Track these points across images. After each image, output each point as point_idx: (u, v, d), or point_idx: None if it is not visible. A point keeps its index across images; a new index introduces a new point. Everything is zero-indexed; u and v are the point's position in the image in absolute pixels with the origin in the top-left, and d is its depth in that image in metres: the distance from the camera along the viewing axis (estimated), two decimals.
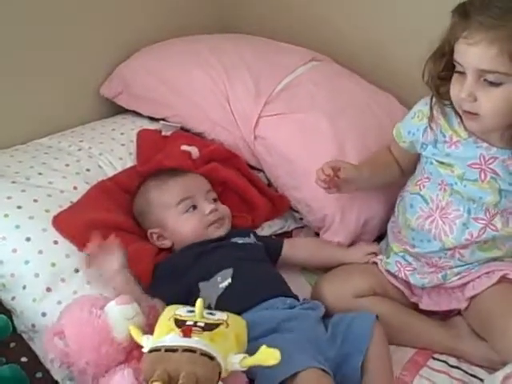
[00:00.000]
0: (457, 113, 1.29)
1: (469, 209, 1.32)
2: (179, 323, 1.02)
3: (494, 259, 1.36)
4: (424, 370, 1.29)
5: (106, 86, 1.77)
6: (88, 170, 1.50)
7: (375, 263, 1.44)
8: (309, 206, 1.52)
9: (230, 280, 1.27)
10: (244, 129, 1.58)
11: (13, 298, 1.27)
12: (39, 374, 1.19)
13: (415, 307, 1.41)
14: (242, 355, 1.00)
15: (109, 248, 1.22)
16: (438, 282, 1.38)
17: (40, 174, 1.44)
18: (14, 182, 1.40)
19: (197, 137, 1.64)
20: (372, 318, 1.24)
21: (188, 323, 1.02)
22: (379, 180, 1.48)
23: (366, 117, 1.59)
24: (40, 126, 1.65)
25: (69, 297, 1.23)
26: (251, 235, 1.43)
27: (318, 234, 1.56)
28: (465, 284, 1.36)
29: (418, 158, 1.42)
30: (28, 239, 1.29)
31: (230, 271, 1.28)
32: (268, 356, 0.98)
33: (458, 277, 1.37)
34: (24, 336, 1.26)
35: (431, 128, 1.33)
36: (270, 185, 1.60)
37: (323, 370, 1.10)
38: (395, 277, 1.41)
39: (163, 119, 1.68)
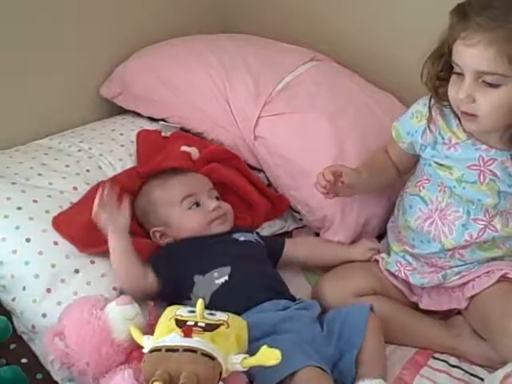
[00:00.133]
0: (455, 114, 1.29)
1: (468, 210, 1.32)
2: (180, 323, 1.02)
3: (494, 259, 1.36)
4: (424, 370, 1.29)
5: (106, 87, 1.77)
6: (88, 170, 1.50)
7: (377, 261, 1.44)
8: (309, 206, 1.52)
9: (226, 278, 1.27)
10: (244, 129, 1.58)
11: (13, 299, 1.27)
12: (39, 375, 1.19)
13: (415, 307, 1.41)
14: (243, 355, 1.00)
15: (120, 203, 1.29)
16: (438, 282, 1.38)
17: (40, 174, 1.44)
18: (13, 183, 1.40)
19: (196, 137, 1.64)
20: (366, 311, 1.25)
21: (189, 323, 1.02)
22: (377, 183, 1.47)
23: (366, 116, 1.59)
24: (40, 126, 1.64)
25: (69, 298, 1.23)
26: (254, 233, 1.43)
27: (318, 234, 1.56)
28: (465, 283, 1.36)
29: (415, 159, 1.41)
30: (28, 240, 1.29)
31: (228, 269, 1.28)
32: (269, 356, 0.98)
33: (458, 276, 1.37)
34: (24, 337, 1.26)
35: (430, 129, 1.33)
36: (269, 185, 1.60)
37: (321, 368, 1.10)
38: (395, 276, 1.41)
39: (163, 120, 1.68)
